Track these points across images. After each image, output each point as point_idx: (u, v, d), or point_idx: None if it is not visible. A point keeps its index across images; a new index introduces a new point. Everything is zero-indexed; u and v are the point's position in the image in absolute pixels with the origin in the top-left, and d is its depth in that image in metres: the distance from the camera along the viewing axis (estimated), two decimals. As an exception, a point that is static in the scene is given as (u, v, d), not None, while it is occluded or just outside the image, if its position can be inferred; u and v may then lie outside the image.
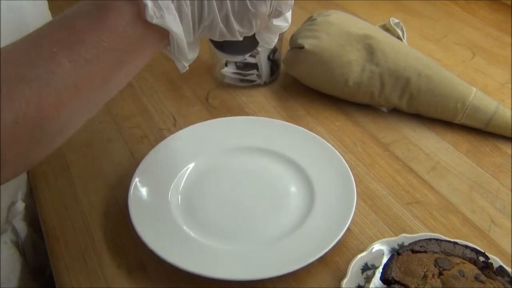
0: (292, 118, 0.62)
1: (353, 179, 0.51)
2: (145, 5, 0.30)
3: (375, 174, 0.54)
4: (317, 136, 0.57)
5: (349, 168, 0.52)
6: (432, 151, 0.57)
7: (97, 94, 0.32)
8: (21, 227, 0.53)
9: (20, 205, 0.50)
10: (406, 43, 0.66)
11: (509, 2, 0.80)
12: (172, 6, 0.32)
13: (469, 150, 0.57)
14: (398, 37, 0.65)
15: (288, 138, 0.57)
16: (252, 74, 0.67)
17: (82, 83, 0.30)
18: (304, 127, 0.59)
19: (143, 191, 0.50)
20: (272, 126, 0.59)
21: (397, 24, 0.66)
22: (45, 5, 0.46)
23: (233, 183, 0.53)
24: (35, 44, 0.30)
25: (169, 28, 0.32)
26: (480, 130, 0.59)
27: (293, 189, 0.52)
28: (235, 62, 0.66)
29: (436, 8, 0.83)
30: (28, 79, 0.28)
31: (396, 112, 0.62)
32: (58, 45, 0.29)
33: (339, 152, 0.55)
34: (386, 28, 0.65)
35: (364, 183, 0.53)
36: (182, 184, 0.52)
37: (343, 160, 0.53)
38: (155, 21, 0.31)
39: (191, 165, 0.54)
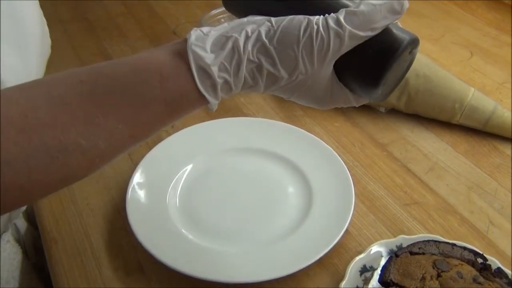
0: (290, 119, 0.62)
1: (351, 180, 0.51)
2: (209, 106, 0.31)
3: (373, 175, 0.54)
4: (315, 137, 0.57)
5: (347, 169, 0.52)
6: (430, 152, 0.57)
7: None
8: (22, 224, 0.53)
9: None
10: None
11: (507, 1, 0.80)
12: (232, 87, 0.31)
13: (467, 151, 0.57)
14: (396, 37, 0.64)
15: (286, 139, 0.57)
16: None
17: (123, 150, 0.30)
18: (302, 128, 0.58)
19: (141, 193, 0.50)
20: (270, 127, 0.59)
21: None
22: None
23: (231, 185, 0.53)
24: (91, 109, 0.28)
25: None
26: (478, 130, 0.59)
27: (291, 190, 0.52)
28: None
29: (434, 7, 0.83)
30: (73, 151, 0.27)
31: (394, 112, 0.62)
32: (124, 123, 0.29)
33: (337, 153, 0.55)
34: (384, 28, 0.65)
35: (362, 184, 0.53)
36: (180, 186, 0.52)
37: (341, 161, 0.53)
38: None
39: (189, 167, 0.54)
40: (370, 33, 0.30)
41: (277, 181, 0.53)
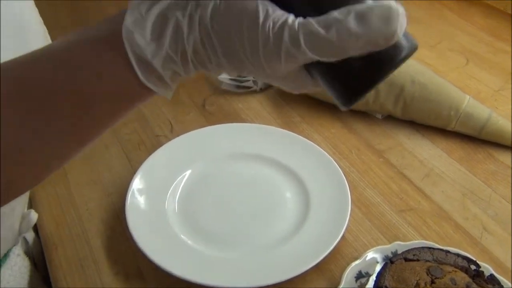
0: (287, 124, 0.63)
1: (347, 186, 0.52)
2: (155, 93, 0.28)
3: (370, 181, 0.55)
4: (312, 143, 0.58)
5: (343, 175, 0.53)
6: (426, 158, 0.58)
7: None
8: (30, 235, 0.53)
9: (34, 217, 0.48)
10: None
11: (502, 9, 0.81)
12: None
13: (462, 157, 0.58)
14: (393, 45, 0.65)
15: (284, 145, 0.58)
16: (249, 80, 0.67)
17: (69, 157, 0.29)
18: (300, 134, 0.59)
19: (140, 199, 0.51)
20: (268, 133, 0.59)
21: (392, 32, 0.66)
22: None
23: (229, 190, 0.54)
24: (38, 123, 0.26)
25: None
26: (473, 137, 0.60)
27: (288, 196, 0.53)
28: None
29: (431, 13, 0.84)
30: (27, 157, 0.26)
31: (391, 119, 0.63)
32: (67, 131, 0.27)
33: (334, 159, 0.55)
34: (381, 35, 0.66)
35: (359, 190, 0.54)
36: (179, 192, 0.53)
37: (338, 167, 0.54)
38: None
39: (188, 172, 0.55)
40: (338, 59, 0.24)
41: (275, 186, 0.54)
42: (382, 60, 0.25)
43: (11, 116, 0.26)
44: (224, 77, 0.67)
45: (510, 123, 0.59)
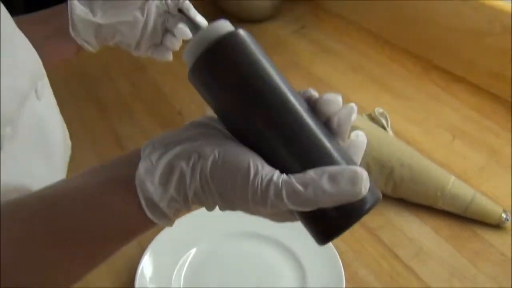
0: (286, 200, 0.67)
1: (341, 266, 0.56)
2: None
3: (363, 260, 0.59)
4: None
5: (337, 254, 0.57)
6: (415, 236, 0.62)
7: None
8: None
9: None
10: (390, 131, 0.72)
11: (486, 87, 0.87)
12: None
13: (449, 236, 0.62)
14: (383, 127, 0.71)
15: (281, 225, 0.61)
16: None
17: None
18: (297, 211, 0.63)
19: (149, 278, 0.55)
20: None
21: (381, 114, 0.72)
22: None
23: (231, 268, 0.57)
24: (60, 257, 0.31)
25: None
26: (460, 215, 0.64)
27: (284, 275, 0.57)
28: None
29: (419, 90, 0.90)
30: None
31: (382, 196, 0.67)
32: (85, 262, 0.32)
33: (329, 237, 0.59)
34: (372, 118, 0.72)
35: (353, 269, 0.58)
36: (184, 270, 0.57)
37: (333, 247, 0.58)
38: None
39: (193, 251, 0.59)
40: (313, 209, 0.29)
41: (271, 264, 0.58)
42: (350, 211, 0.30)
43: (37, 250, 0.31)
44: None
45: (492, 203, 0.63)
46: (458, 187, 0.64)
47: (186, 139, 0.31)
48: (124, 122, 0.84)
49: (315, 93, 0.33)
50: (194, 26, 0.46)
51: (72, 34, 0.50)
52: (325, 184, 0.29)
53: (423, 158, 0.66)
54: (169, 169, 0.30)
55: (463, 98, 0.87)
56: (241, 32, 0.34)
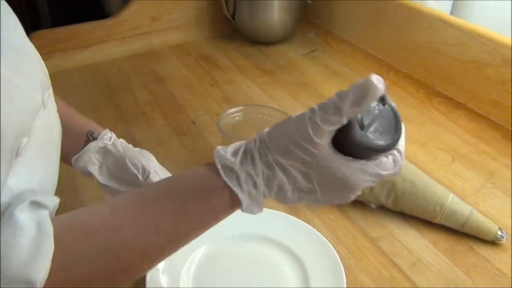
0: (291, 209, 0.70)
1: (343, 271, 0.59)
2: (241, 203, 0.38)
3: (364, 267, 0.62)
4: (313, 229, 0.65)
5: (340, 261, 0.60)
6: (413, 248, 0.65)
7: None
8: None
9: None
10: (394, 149, 0.76)
11: (484, 114, 0.92)
12: (261, 200, 0.39)
13: (447, 249, 0.65)
14: (387, 144, 0.75)
15: (287, 229, 0.65)
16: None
17: (172, 250, 0.39)
18: (302, 219, 0.67)
19: (159, 275, 0.57)
20: (273, 217, 0.67)
21: (386, 132, 0.76)
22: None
23: (236, 270, 0.60)
24: (149, 212, 0.37)
25: (253, 213, 0.40)
26: (457, 230, 0.67)
27: (290, 277, 0.59)
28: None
29: (422, 114, 0.94)
30: (127, 247, 0.36)
31: (383, 209, 0.71)
32: (169, 218, 0.37)
33: (332, 244, 0.62)
34: (377, 135, 0.76)
35: (354, 274, 0.61)
36: (193, 267, 0.60)
37: (336, 252, 0.61)
38: (247, 211, 0.39)
39: (201, 249, 0.62)
40: (341, 117, 0.36)
41: (278, 268, 0.61)
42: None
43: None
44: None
45: (489, 220, 0.66)
46: (457, 204, 0.67)
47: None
48: (141, 128, 0.89)
49: None
50: None
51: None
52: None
53: (424, 175, 0.70)
54: (238, 146, 0.39)
55: (463, 123, 0.91)
56: None
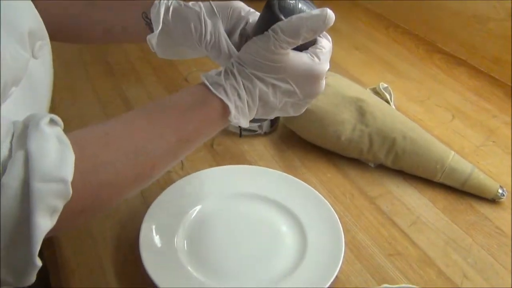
0: (288, 167, 0.68)
1: (341, 229, 0.57)
2: (230, 112, 0.43)
3: (362, 225, 0.60)
4: (310, 187, 0.63)
5: (338, 219, 0.58)
6: (413, 206, 0.64)
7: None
8: None
9: None
10: (394, 106, 0.73)
11: (486, 70, 0.89)
12: (246, 112, 0.44)
13: (446, 207, 0.64)
14: (386, 101, 0.72)
15: (285, 188, 0.63)
16: (254, 124, 0.73)
17: (177, 155, 0.43)
18: (299, 177, 0.65)
19: (152, 232, 0.55)
20: (270, 176, 0.65)
21: (385, 89, 0.73)
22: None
23: (234, 228, 0.58)
24: (149, 121, 0.41)
25: (241, 124, 0.44)
26: (456, 189, 0.66)
27: (288, 236, 0.58)
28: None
29: (421, 71, 0.91)
30: (143, 153, 0.39)
31: (382, 167, 0.69)
32: (169, 126, 0.41)
33: (330, 202, 0.61)
34: (376, 92, 0.73)
35: (352, 233, 0.59)
36: (188, 226, 0.58)
37: (334, 211, 0.60)
38: (234, 122, 0.44)
39: (197, 208, 0.60)
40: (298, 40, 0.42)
41: (276, 226, 0.59)
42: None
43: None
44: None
45: (490, 178, 0.65)
46: (458, 162, 0.65)
47: None
48: (131, 85, 0.85)
49: None
50: None
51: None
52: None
53: (425, 132, 0.68)
54: (220, 69, 0.45)
55: (464, 80, 0.88)
56: None
